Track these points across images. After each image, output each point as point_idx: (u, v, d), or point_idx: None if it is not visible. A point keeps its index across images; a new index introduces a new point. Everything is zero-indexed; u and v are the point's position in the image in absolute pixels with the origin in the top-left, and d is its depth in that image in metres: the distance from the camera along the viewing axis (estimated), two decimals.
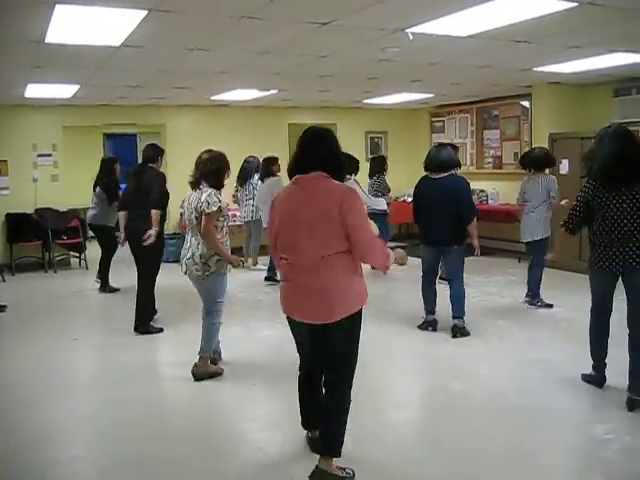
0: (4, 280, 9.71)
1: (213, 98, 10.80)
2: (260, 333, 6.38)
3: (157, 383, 5.42)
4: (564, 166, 9.66)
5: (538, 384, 5.14)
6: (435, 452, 4.04)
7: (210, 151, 5.42)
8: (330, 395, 3.68)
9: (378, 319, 7.04)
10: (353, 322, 3.56)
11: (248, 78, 8.76)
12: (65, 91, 9.33)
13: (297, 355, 3.96)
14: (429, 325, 6.68)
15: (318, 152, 3.61)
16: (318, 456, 3.67)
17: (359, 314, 3.58)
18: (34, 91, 9.19)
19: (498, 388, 5.08)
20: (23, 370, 5.72)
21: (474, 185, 11.97)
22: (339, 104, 12.60)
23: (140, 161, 7.38)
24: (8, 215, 10.67)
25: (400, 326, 6.85)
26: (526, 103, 11.07)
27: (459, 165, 7.02)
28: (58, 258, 10.83)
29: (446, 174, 6.57)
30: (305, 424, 3.99)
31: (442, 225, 6.48)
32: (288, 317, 3.73)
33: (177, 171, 11.47)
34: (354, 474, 3.66)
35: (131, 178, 7.07)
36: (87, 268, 10.52)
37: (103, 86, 9.01)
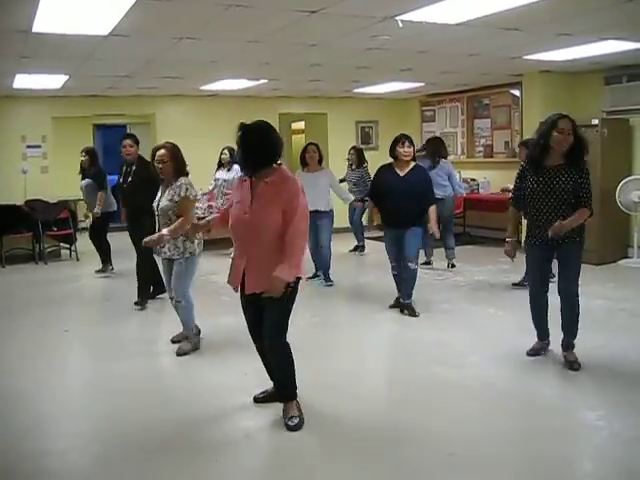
0: None
1: (203, 88, 10.76)
2: None
3: (146, 372, 5.40)
4: None
5: (528, 370, 5.14)
6: (422, 437, 4.04)
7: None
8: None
9: (362, 304, 7.07)
10: None
11: (237, 67, 8.73)
12: (54, 82, 9.28)
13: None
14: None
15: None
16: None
17: None
18: (23, 82, 9.14)
19: (486, 375, 5.08)
20: (13, 362, 5.69)
21: (465, 174, 12.07)
22: (329, 93, 12.57)
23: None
24: None
25: (386, 312, 6.89)
26: (517, 92, 11.07)
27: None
28: (48, 250, 10.76)
29: None
30: None
31: None
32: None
33: None
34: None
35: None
36: (78, 259, 10.47)
37: (92, 76, 8.96)
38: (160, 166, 5.47)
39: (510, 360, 5.38)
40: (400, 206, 6.55)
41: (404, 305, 6.82)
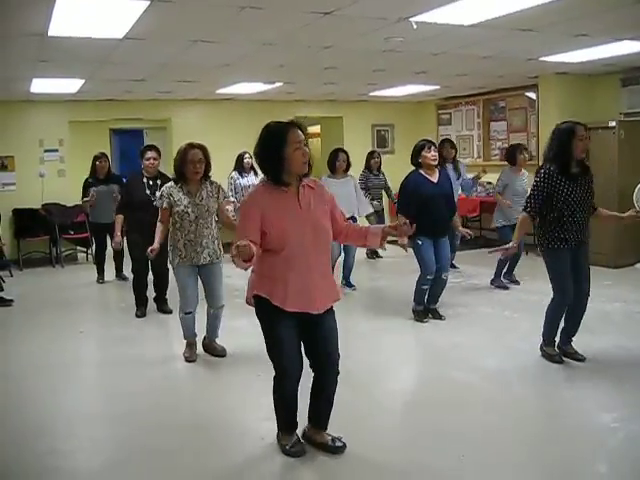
0: (12, 275, 9.70)
1: (218, 92, 10.77)
2: None
3: (160, 374, 5.43)
4: None
5: (544, 373, 5.12)
6: (438, 440, 4.02)
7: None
8: None
9: (379, 309, 7.04)
10: (256, 309, 3.74)
11: (252, 70, 8.74)
12: (70, 86, 9.33)
13: None
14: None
15: (255, 156, 3.70)
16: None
17: (258, 303, 3.68)
18: (39, 86, 9.20)
19: (502, 378, 5.07)
20: (28, 362, 5.74)
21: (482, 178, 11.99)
22: (345, 97, 12.56)
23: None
24: (15, 211, 10.70)
25: (396, 316, 6.85)
26: (532, 95, 11.01)
27: (415, 162, 6.59)
28: (65, 253, 10.86)
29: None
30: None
31: None
32: None
33: None
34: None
35: None
36: (94, 262, 10.51)
37: (108, 80, 9.01)
38: (198, 166, 5.26)
39: (526, 362, 5.36)
40: (442, 214, 6.49)
41: (431, 310, 6.80)
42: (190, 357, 5.62)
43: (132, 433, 4.26)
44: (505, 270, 8.14)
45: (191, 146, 5.32)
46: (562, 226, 5.03)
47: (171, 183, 5.46)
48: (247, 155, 9.85)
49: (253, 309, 3.75)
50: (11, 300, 7.93)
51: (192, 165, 5.24)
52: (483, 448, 3.89)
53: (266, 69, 8.62)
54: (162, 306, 7.34)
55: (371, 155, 10.36)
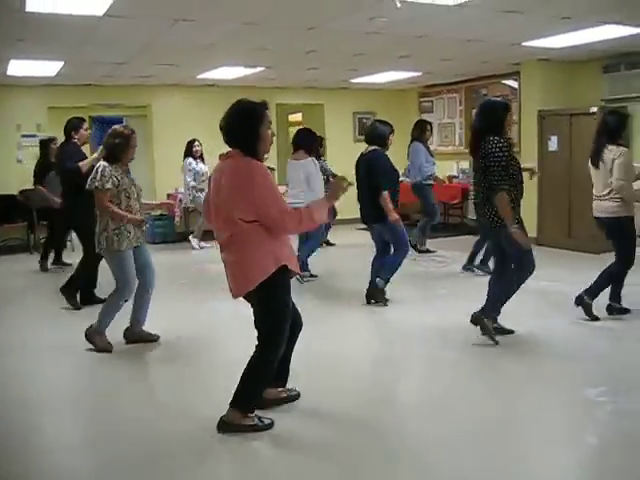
0: None
1: (199, 77, 10.65)
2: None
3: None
4: (553, 143, 9.65)
5: (524, 349, 5.17)
6: (428, 414, 4.00)
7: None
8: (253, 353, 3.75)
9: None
10: (264, 289, 3.60)
11: (234, 53, 8.62)
12: (49, 68, 9.17)
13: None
14: None
15: (229, 128, 3.75)
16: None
17: (270, 281, 3.58)
18: (17, 68, 9.03)
19: (485, 356, 5.08)
20: (5, 344, 5.69)
21: (463, 165, 12.01)
22: (326, 84, 12.51)
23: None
24: None
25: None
26: (512, 83, 11.02)
27: (383, 142, 6.71)
28: (43, 239, 10.69)
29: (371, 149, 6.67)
30: None
31: (364, 202, 6.60)
32: None
33: (164, 152, 11.43)
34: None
35: None
36: (73, 250, 10.34)
37: (87, 63, 8.88)
38: (135, 150, 5.44)
39: (510, 339, 5.37)
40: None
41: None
42: (108, 347, 5.39)
43: (131, 406, 4.22)
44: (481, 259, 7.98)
45: (133, 131, 5.42)
46: (514, 202, 4.95)
47: (107, 163, 5.28)
48: (197, 143, 10.44)
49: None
50: None
51: (133, 150, 5.37)
52: (470, 422, 3.87)
53: (248, 51, 8.48)
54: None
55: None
